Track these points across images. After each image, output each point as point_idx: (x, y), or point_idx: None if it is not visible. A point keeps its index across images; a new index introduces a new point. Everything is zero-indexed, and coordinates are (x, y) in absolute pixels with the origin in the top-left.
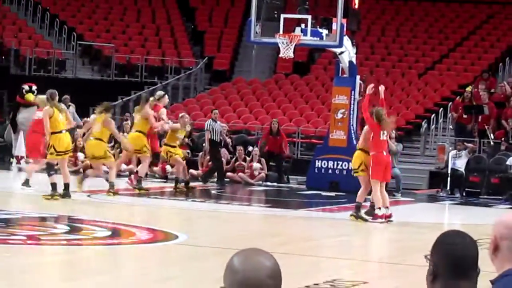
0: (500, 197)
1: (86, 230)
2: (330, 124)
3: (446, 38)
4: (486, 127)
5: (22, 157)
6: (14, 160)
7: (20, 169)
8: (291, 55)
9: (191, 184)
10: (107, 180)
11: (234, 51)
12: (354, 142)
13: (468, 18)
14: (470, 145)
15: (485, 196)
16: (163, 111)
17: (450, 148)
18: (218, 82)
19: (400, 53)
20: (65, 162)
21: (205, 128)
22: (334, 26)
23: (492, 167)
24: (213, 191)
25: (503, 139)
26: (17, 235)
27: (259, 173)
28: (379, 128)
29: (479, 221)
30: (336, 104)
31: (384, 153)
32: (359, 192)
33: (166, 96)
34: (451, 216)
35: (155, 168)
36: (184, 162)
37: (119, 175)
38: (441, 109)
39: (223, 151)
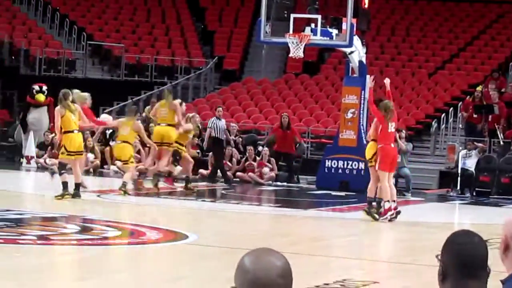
0: (510, 197)
1: (96, 230)
2: (340, 123)
3: (456, 37)
4: (496, 126)
5: (32, 157)
6: (24, 160)
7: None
8: (301, 54)
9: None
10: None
11: (244, 51)
12: (364, 141)
13: (478, 18)
14: (480, 144)
15: (495, 196)
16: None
17: (460, 148)
18: (228, 82)
19: (410, 53)
20: (77, 162)
21: (208, 126)
22: (344, 26)
23: (502, 167)
24: (222, 191)
25: None
26: (28, 235)
27: (269, 173)
28: (386, 120)
29: (489, 220)
30: (346, 104)
31: (392, 145)
32: (369, 186)
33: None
34: (461, 216)
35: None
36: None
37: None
38: (451, 108)
39: (234, 151)
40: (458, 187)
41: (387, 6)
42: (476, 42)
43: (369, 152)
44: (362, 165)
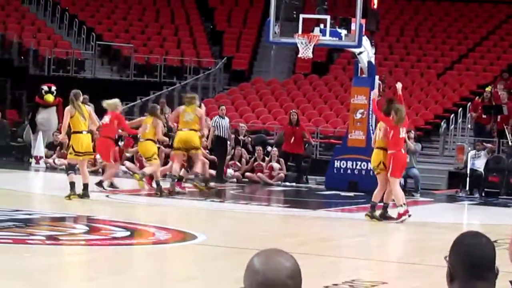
0: None
1: (105, 230)
2: (349, 124)
3: (465, 38)
4: (505, 127)
5: (41, 157)
6: (33, 160)
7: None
8: (310, 55)
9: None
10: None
11: (253, 51)
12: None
13: (487, 18)
14: (489, 145)
15: (504, 196)
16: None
17: (469, 148)
18: (237, 82)
19: (419, 53)
20: (85, 163)
21: (211, 124)
22: (353, 26)
23: (511, 167)
24: (231, 191)
25: None
26: (36, 235)
27: (278, 173)
28: (396, 125)
29: (498, 221)
30: (355, 104)
31: (403, 151)
32: (375, 192)
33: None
34: (470, 216)
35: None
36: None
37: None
38: (460, 109)
39: (243, 151)
40: (467, 188)
41: (396, 7)
42: (485, 43)
43: (376, 160)
44: (371, 166)
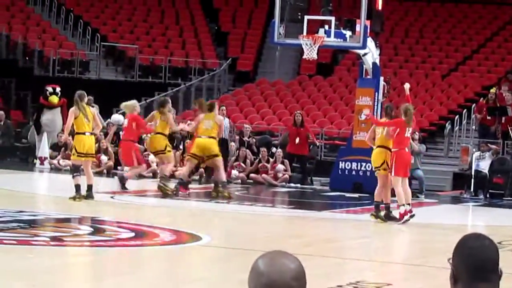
0: None
1: (110, 231)
2: (354, 125)
3: (470, 39)
4: (509, 128)
5: (45, 158)
6: (37, 161)
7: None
8: (315, 56)
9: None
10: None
11: (257, 52)
12: None
13: (491, 19)
14: (493, 146)
15: (509, 198)
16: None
17: (474, 150)
18: (241, 83)
19: (424, 55)
20: (89, 164)
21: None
22: (357, 28)
23: None
24: (236, 192)
25: None
26: (41, 236)
27: (283, 175)
28: (405, 124)
29: (503, 222)
30: (359, 106)
31: (406, 150)
32: (377, 191)
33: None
34: (475, 217)
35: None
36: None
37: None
38: (465, 110)
39: (247, 152)
40: (472, 189)
41: (400, 8)
42: (490, 44)
43: (378, 159)
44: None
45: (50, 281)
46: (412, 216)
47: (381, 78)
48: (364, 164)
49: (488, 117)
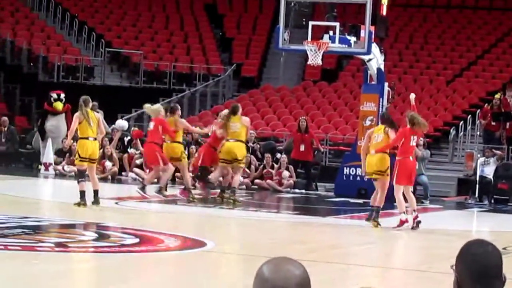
0: None
1: (114, 237)
2: (358, 131)
3: (474, 45)
4: None
5: (50, 164)
6: (42, 167)
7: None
8: (319, 62)
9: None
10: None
11: (262, 58)
12: None
13: (496, 25)
14: (498, 152)
15: None
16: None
17: (479, 155)
18: (246, 89)
19: (428, 60)
20: (93, 169)
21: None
22: (362, 33)
23: None
24: (241, 198)
25: None
26: (45, 242)
27: (288, 181)
28: (410, 132)
29: (508, 228)
30: (364, 111)
31: (411, 158)
32: (378, 197)
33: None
34: (480, 223)
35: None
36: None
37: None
38: (469, 116)
39: (252, 158)
40: (476, 195)
41: (405, 14)
42: (494, 50)
43: (383, 164)
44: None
45: (55, 287)
46: (418, 223)
47: (386, 84)
48: None
49: (493, 123)
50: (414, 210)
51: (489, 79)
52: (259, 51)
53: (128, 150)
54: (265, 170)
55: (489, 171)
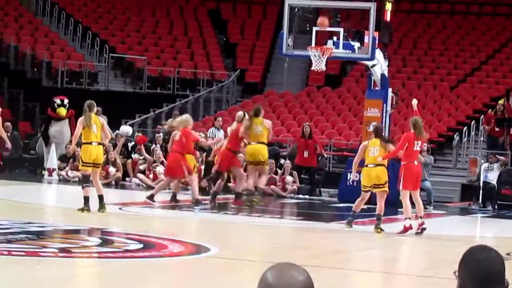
0: None
1: (118, 242)
2: (362, 136)
3: (478, 50)
4: None
5: (54, 170)
6: (45, 173)
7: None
8: (323, 67)
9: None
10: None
11: (266, 63)
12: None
13: (500, 31)
14: (502, 158)
15: None
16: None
17: (482, 161)
18: (250, 94)
19: (432, 66)
20: (97, 175)
21: (208, 135)
22: (366, 39)
23: None
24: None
25: None
26: (49, 248)
27: (291, 186)
28: (414, 138)
29: (511, 234)
30: (368, 117)
31: (416, 163)
32: (377, 206)
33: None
34: (483, 229)
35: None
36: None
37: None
38: (473, 122)
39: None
40: (480, 200)
41: (409, 19)
42: (498, 55)
43: (383, 177)
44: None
45: None
46: (423, 230)
47: (390, 90)
48: None
49: (497, 129)
50: (421, 217)
51: (492, 85)
52: (263, 57)
53: (132, 155)
54: (269, 176)
55: (492, 177)
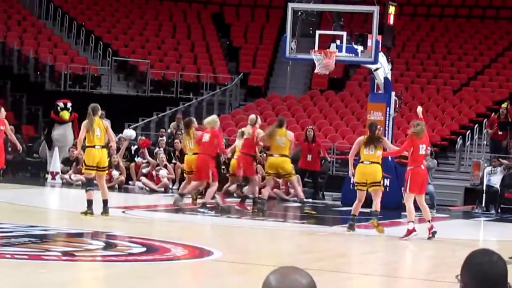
0: None
1: (121, 246)
2: None
3: (481, 54)
4: None
5: (57, 173)
6: (49, 176)
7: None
8: (332, 68)
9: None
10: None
11: (269, 67)
12: (389, 158)
13: (503, 34)
14: (505, 161)
15: None
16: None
17: (485, 165)
18: (253, 98)
19: (435, 70)
20: (103, 178)
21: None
22: (369, 43)
23: None
24: (248, 207)
25: None
26: (52, 251)
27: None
28: (418, 141)
29: None
30: (371, 121)
31: (422, 167)
32: (374, 203)
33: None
34: (486, 232)
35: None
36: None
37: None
38: (476, 125)
39: (259, 167)
40: (483, 204)
41: (412, 23)
42: (501, 59)
43: (378, 175)
44: (387, 182)
45: None
46: (434, 233)
47: (393, 93)
48: None
49: (500, 132)
50: (429, 221)
51: (496, 89)
52: (266, 60)
53: (135, 159)
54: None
55: (496, 181)
